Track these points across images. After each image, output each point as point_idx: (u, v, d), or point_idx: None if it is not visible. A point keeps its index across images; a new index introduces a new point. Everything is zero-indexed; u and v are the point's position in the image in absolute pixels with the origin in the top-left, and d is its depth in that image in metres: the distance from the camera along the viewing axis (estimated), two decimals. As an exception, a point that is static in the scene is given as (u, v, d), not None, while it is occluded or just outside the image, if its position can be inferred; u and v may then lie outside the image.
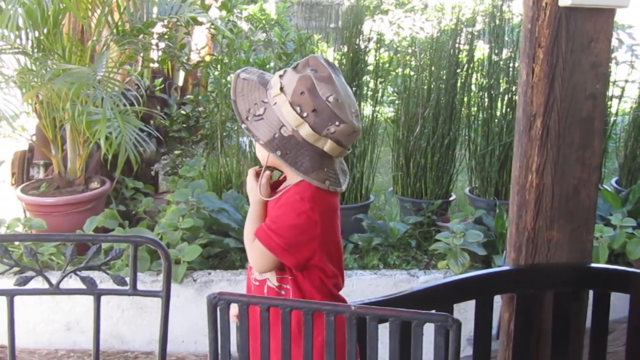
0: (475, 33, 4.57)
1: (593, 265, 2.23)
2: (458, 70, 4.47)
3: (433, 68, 4.43)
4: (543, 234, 2.21)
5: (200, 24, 4.84)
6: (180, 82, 6.80)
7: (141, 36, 4.36)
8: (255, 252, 1.92)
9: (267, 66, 4.96)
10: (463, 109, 4.53)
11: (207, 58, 5.73)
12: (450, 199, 4.62)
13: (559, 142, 2.16)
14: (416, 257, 4.07)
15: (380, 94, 4.67)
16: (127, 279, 2.11)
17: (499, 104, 4.46)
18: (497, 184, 4.47)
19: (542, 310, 2.20)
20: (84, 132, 4.18)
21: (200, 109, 5.20)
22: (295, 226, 1.87)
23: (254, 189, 2.00)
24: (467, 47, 4.50)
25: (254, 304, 1.41)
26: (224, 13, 5.51)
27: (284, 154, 1.84)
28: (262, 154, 1.95)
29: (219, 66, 5.08)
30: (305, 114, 1.82)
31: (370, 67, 4.53)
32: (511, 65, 4.45)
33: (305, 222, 1.87)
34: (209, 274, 3.81)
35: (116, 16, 4.27)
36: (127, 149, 3.70)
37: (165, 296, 2.10)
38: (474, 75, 4.54)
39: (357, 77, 4.40)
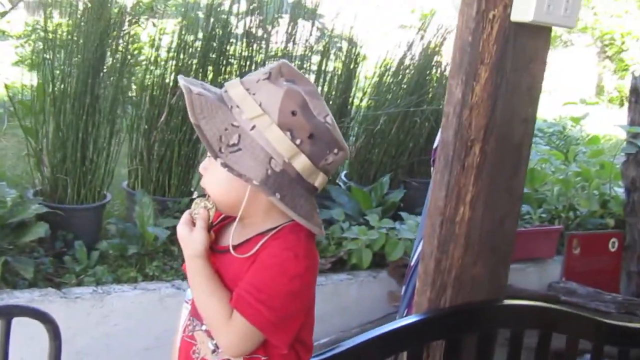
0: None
1: (507, 302, 2.07)
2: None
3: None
4: (468, 270, 1.99)
5: None
6: None
7: None
8: (237, 332, 1.38)
9: None
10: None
11: None
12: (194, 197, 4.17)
13: (492, 171, 1.96)
14: (174, 267, 3.56)
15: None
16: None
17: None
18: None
19: (470, 355, 1.99)
20: None
21: None
22: (289, 294, 1.38)
23: (189, 238, 1.44)
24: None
25: None
26: None
27: (282, 196, 1.34)
28: (230, 192, 1.40)
29: None
30: (298, 141, 1.35)
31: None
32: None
33: (299, 288, 1.39)
34: None
35: None
36: None
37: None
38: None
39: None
